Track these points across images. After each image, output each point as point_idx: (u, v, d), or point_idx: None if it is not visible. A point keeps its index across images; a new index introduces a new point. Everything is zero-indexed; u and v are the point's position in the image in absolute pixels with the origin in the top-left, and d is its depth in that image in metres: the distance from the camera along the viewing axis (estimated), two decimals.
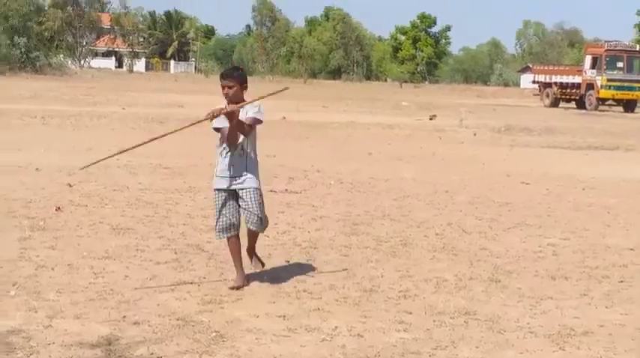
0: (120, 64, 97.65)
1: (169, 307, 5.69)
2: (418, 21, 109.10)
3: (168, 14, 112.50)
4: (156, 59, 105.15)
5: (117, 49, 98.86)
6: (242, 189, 6.32)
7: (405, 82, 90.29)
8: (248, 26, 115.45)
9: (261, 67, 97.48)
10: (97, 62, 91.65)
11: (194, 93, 44.15)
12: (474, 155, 18.04)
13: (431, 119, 30.48)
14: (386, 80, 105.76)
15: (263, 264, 6.78)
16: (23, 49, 60.86)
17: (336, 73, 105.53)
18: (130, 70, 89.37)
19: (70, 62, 76.45)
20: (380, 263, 7.37)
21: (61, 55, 74.99)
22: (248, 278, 6.43)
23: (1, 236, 7.65)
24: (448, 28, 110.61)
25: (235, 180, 6.34)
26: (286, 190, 11.49)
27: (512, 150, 19.82)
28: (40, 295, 5.79)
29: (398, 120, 28.95)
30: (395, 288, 6.48)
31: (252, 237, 6.63)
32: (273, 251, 7.65)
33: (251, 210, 6.30)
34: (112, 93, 38.46)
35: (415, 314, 5.80)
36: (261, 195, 6.38)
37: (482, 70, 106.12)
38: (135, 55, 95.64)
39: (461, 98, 55.60)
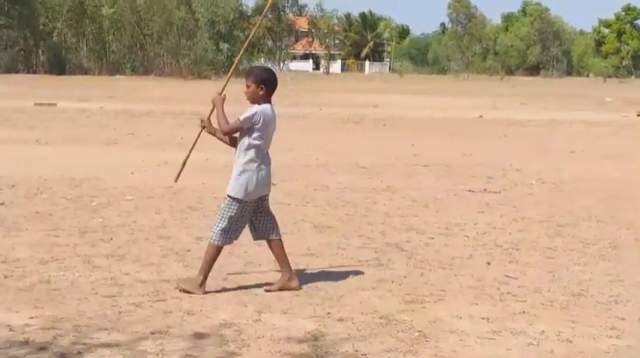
0: (317, 66, 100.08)
1: (372, 305, 5.74)
2: (623, 13, 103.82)
3: (363, 16, 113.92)
4: (351, 60, 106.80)
5: (314, 52, 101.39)
6: None
7: (609, 77, 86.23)
8: (443, 24, 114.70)
9: (455, 65, 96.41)
10: (295, 65, 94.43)
11: (388, 92, 44.43)
12: None
13: (638, 115, 28.86)
14: (588, 76, 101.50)
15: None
16: (227, 54, 63.77)
17: (534, 70, 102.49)
18: (327, 72, 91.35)
19: (270, 65, 79.35)
20: (588, 266, 7.05)
21: (262, 59, 77.92)
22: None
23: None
24: None
25: None
26: (485, 190, 11.28)
27: None
28: (249, 290, 6.02)
29: (602, 117, 27.67)
30: (605, 293, 6.18)
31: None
32: (473, 251, 7.53)
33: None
34: (310, 95, 39.48)
35: (628, 320, 5.50)
36: (228, 205, 5.91)
37: None
38: (331, 57, 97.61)
39: None
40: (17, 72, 57.06)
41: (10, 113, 22.80)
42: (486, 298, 6.00)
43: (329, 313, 5.52)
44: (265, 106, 5.96)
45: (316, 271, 6.65)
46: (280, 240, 6.18)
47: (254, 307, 5.60)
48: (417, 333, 5.13)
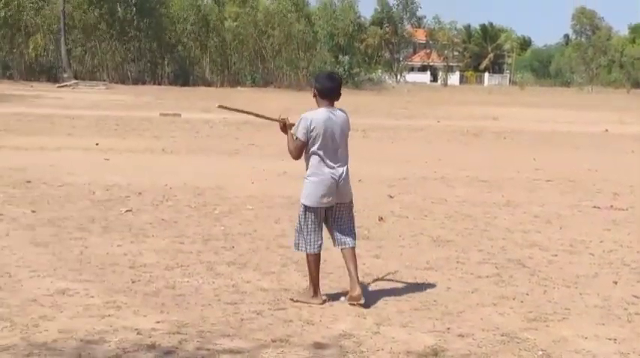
0: (434, 78, 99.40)
1: (493, 322, 5.63)
2: None
3: (483, 27, 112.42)
4: (470, 72, 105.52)
5: (432, 64, 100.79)
6: None
7: None
8: (566, 35, 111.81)
9: (579, 77, 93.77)
10: (413, 76, 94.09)
11: (508, 105, 43.65)
12: None
13: None
14: None
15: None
16: (347, 67, 64.23)
17: None
18: (445, 84, 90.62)
19: (387, 77, 79.35)
20: None
21: (379, 71, 78.05)
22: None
23: (330, 243, 8.05)
24: None
25: None
26: (611, 206, 10.90)
27: None
28: (368, 302, 6.01)
29: None
30: None
31: None
32: (599, 270, 7.28)
33: None
34: (427, 107, 39.25)
35: None
36: (300, 212, 6.06)
37: None
38: (449, 69, 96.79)
39: None
40: (144, 83, 59.23)
41: (137, 123, 23.67)
42: (613, 318, 5.79)
43: (449, 328, 5.45)
44: (316, 112, 5.94)
45: (435, 285, 6.58)
46: (353, 248, 6.09)
47: (373, 319, 5.60)
48: (540, 352, 5.00)
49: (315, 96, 6.00)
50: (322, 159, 5.90)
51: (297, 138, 5.89)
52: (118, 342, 4.97)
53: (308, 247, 5.99)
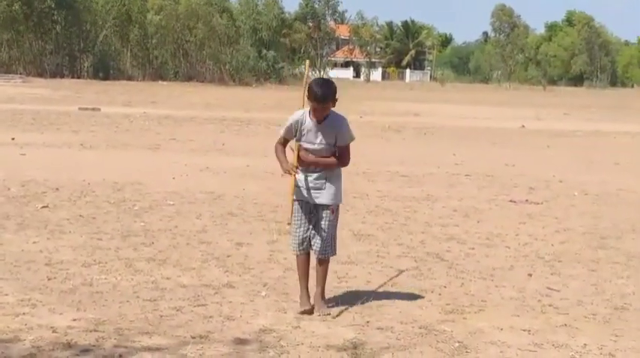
0: (357, 74, 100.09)
1: (411, 314, 5.71)
2: None
3: (405, 24, 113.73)
4: (392, 68, 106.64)
5: (354, 60, 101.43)
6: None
7: None
8: (485, 33, 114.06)
9: (497, 74, 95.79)
10: (336, 72, 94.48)
11: (429, 101, 44.30)
12: None
13: None
14: (632, 86, 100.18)
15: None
16: (271, 62, 64.10)
17: (577, 80, 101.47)
18: (367, 80, 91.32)
19: (310, 73, 79.47)
20: (631, 279, 6.95)
21: (303, 66, 78.17)
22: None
23: (252, 238, 8.07)
24: None
25: None
26: (527, 201, 11.18)
27: None
28: (288, 296, 6.02)
29: None
30: None
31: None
32: (515, 263, 7.46)
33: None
34: (350, 102, 39.47)
35: None
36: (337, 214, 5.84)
37: None
38: (372, 65, 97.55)
39: None
40: (62, 77, 57.95)
41: (55, 117, 23.15)
42: (528, 310, 5.94)
43: (368, 322, 5.50)
44: (338, 113, 5.73)
45: (355, 279, 6.63)
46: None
47: (293, 313, 5.61)
48: (457, 344, 5.10)
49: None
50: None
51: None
52: (32, 341, 4.85)
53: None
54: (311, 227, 5.77)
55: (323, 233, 5.73)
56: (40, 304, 5.60)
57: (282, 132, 5.73)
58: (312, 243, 5.79)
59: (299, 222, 5.77)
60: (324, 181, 5.70)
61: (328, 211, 5.71)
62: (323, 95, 5.50)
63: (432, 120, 28.76)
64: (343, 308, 5.72)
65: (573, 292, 6.46)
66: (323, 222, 5.73)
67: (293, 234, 5.83)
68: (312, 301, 5.71)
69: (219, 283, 6.32)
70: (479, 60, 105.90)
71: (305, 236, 5.78)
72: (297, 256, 5.86)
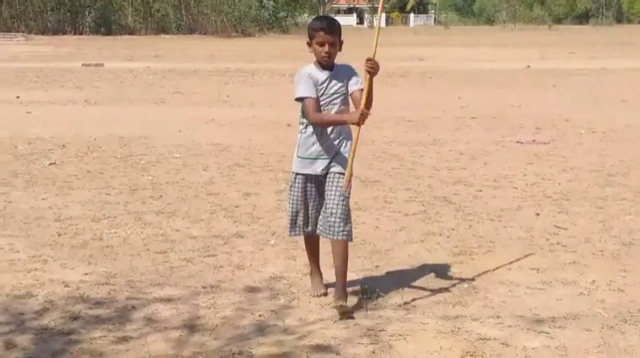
0: (361, 20, 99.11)
1: (420, 258, 5.74)
2: None
3: None
4: (395, 13, 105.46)
5: (358, 6, 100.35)
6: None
7: None
8: None
9: (502, 15, 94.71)
10: (339, 19, 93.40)
11: (433, 45, 43.92)
12: None
13: None
14: (639, 23, 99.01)
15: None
16: (272, 11, 63.44)
17: (582, 18, 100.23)
18: (371, 26, 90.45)
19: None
20: (639, 215, 6.95)
21: (306, 14, 77.37)
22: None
23: (259, 188, 8.09)
24: None
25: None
26: (534, 141, 11.14)
27: None
28: (297, 244, 6.03)
29: None
30: None
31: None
32: (522, 203, 7.47)
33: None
34: (354, 49, 39.19)
35: None
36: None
37: None
38: (375, 11, 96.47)
39: None
40: (64, 33, 57.57)
41: (58, 74, 23.08)
42: (536, 249, 5.97)
43: (377, 266, 5.54)
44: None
45: (364, 225, 6.66)
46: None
47: (303, 261, 5.62)
48: (466, 285, 5.13)
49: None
50: None
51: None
52: (45, 295, 4.91)
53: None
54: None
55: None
56: (52, 259, 5.66)
57: (306, 93, 4.67)
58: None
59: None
60: (344, 141, 4.76)
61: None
62: (329, 24, 4.71)
63: (437, 64, 28.54)
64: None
65: (581, 230, 6.48)
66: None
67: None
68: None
69: (228, 233, 6.36)
70: (483, 1, 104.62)
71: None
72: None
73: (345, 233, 4.66)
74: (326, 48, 4.69)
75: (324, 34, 4.69)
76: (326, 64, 4.74)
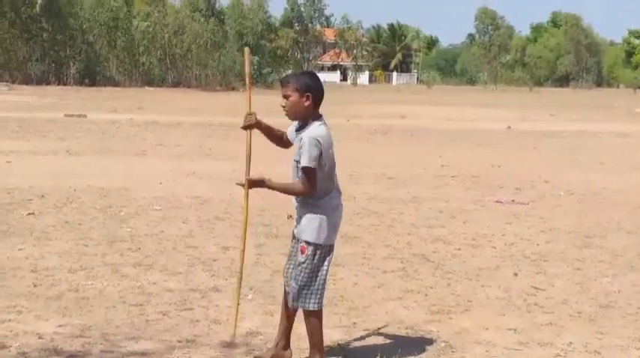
0: (344, 78, 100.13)
1: (398, 315, 5.73)
2: None
3: (391, 27, 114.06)
4: (379, 71, 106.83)
5: (341, 63, 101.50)
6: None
7: (639, 87, 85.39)
8: (471, 35, 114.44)
9: (484, 76, 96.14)
10: (323, 76, 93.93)
11: (416, 104, 44.36)
12: None
13: None
14: (618, 86, 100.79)
15: None
16: (256, 66, 64.04)
17: (563, 81, 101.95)
18: (354, 83, 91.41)
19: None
20: (616, 277, 7.00)
21: (290, 71, 78.21)
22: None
23: (238, 242, 8.06)
24: None
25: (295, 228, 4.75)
26: (513, 201, 11.22)
27: None
28: (275, 299, 6.02)
29: (633, 129, 27.44)
30: (633, 304, 6.13)
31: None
32: (501, 262, 7.49)
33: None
34: (337, 106, 39.51)
35: None
36: (317, 256, 4.57)
37: None
38: (359, 69, 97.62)
39: None
40: (48, 83, 57.73)
41: (40, 124, 23.07)
42: (513, 309, 5.97)
43: (355, 323, 5.52)
44: (320, 129, 4.54)
45: (342, 281, 6.65)
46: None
47: (280, 316, 5.61)
48: (443, 344, 5.12)
49: (304, 101, 4.52)
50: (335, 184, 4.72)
51: (308, 166, 4.47)
52: (19, 347, 4.84)
53: (319, 301, 4.58)
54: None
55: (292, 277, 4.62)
56: (26, 310, 5.59)
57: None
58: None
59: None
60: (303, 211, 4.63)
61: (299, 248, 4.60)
62: (284, 78, 4.66)
63: (419, 122, 28.81)
64: None
65: (558, 291, 6.50)
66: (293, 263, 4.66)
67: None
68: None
69: (205, 287, 6.32)
70: (465, 62, 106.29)
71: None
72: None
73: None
74: (282, 101, 4.62)
75: (281, 88, 4.65)
76: (288, 118, 4.68)
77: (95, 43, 62.84)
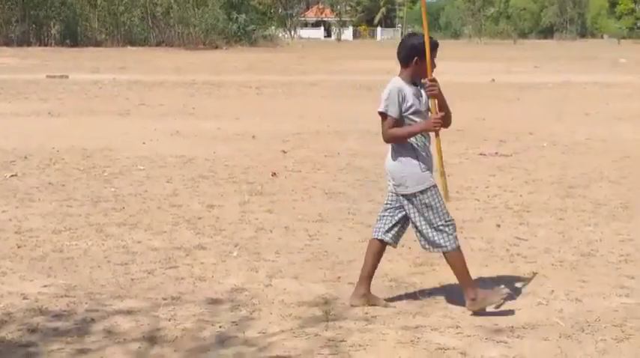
0: (328, 34, 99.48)
1: (382, 268, 5.73)
2: None
3: None
4: (363, 27, 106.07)
5: (325, 19, 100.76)
6: None
7: (623, 38, 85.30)
8: None
9: (468, 29, 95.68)
10: (307, 32, 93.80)
11: None
12: None
13: None
14: (602, 37, 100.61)
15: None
16: (242, 24, 63.42)
17: (547, 32, 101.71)
18: (338, 39, 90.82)
19: (281, 33, 78.83)
20: (598, 226, 7.05)
21: (273, 27, 77.46)
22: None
23: (223, 200, 8.08)
24: None
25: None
26: (497, 153, 11.25)
27: None
28: (260, 256, 6.06)
29: (616, 79, 27.44)
30: (615, 252, 6.19)
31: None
32: (484, 214, 7.54)
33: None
34: (321, 62, 39.32)
35: (638, 279, 5.52)
36: (431, 196, 5.25)
37: None
38: (343, 24, 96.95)
39: None
40: (29, 45, 57.04)
41: (22, 86, 22.86)
42: (496, 260, 6.02)
43: (339, 277, 5.56)
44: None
45: (327, 236, 6.67)
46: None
47: (265, 272, 5.65)
48: (426, 295, 5.16)
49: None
50: None
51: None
52: (3, 308, 4.86)
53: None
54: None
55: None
56: (11, 272, 5.60)
57: (391, 110, 5.12)
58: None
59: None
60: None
61: None
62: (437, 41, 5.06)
63: None
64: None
65: (541, 241, 6.55)
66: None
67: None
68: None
69: (190, 245, 6.34)
70: (449, 15, 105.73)
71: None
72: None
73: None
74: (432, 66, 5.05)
75: (434, 53, 5.10)
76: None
77: (75, 2, 61.97)
